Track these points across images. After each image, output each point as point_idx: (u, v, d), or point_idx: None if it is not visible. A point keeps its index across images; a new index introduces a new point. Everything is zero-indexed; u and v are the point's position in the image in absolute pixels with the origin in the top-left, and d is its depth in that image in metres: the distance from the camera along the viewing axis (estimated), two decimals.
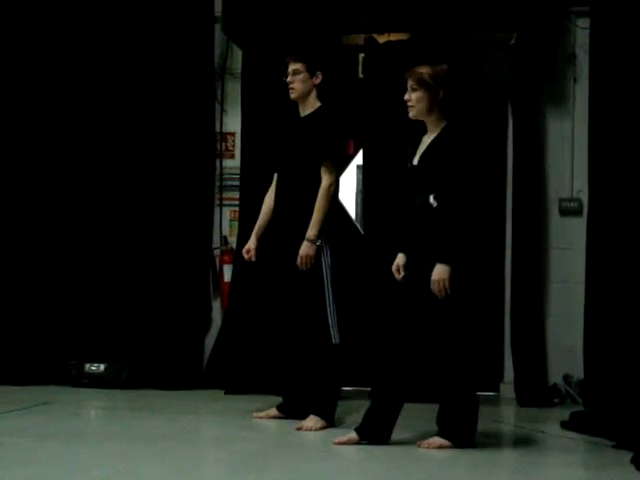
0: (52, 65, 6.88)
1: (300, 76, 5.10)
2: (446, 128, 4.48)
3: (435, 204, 4.38)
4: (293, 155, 5.13)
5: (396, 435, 4.40)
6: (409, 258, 4.53)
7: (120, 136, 6.86)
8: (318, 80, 5.13)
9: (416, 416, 4.80)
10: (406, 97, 4.53)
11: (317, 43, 6.30)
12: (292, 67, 5.12)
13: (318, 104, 5.16)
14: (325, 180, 5.02)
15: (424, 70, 4.48)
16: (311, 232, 4.97)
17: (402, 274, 4.53)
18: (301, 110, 5.20)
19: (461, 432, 4.32)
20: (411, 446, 4.29)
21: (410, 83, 4.51)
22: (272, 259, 5.28)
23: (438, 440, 4.33)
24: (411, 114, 4.53)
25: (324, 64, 5.20)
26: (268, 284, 5.77)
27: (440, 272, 4.25)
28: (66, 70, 6.88)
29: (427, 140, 4.53)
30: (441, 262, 4.26)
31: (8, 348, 6.65)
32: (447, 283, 4.23)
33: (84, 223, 6.84)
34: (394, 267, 4.57)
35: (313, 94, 5.15)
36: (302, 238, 4.97)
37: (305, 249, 4.94)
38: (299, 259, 4.93)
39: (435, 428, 4.35)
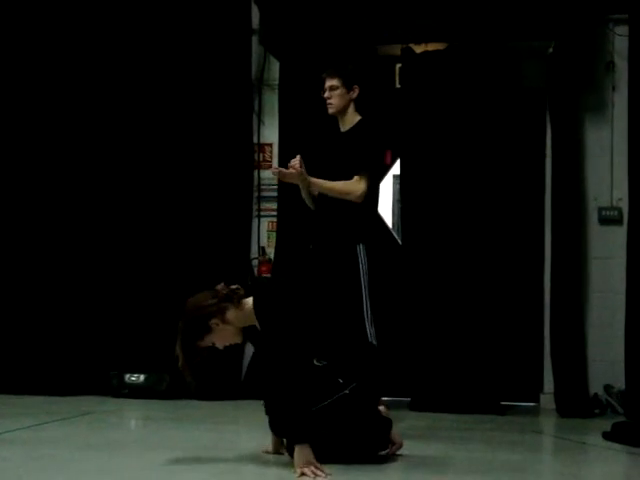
0: (93, 74, 7.03)
1: (337, 91, 5.12)
2: None
3: None
4: (334, 170, 5.10)
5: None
6: None
7: (159, 147, 6.95)
8: (355, 94, 5.14)
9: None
10: None
11: (353, 55, 6.32)
12: (329, 83, 5.14)
13: (357, 118, 5.16)
14: (355, 184, 4.95)
15: None
16: (311, 178, 4.94)
17: None
18: (341, 124, 5.20)
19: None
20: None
21: None
22: (309, 269, 5.27)
23: None
24: None
25: (360, 77, 5.19)
26: (306, 294, 5.76)
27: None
28: (110, 79, 7.02)
29: None
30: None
31: (49, 359, 6.72)
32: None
33: (124, 235, 6.92)
34: None
35: (351, 108, 5.15)
36: (340, 251, 4.97)
37: (294, 173, 4.88)
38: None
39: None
